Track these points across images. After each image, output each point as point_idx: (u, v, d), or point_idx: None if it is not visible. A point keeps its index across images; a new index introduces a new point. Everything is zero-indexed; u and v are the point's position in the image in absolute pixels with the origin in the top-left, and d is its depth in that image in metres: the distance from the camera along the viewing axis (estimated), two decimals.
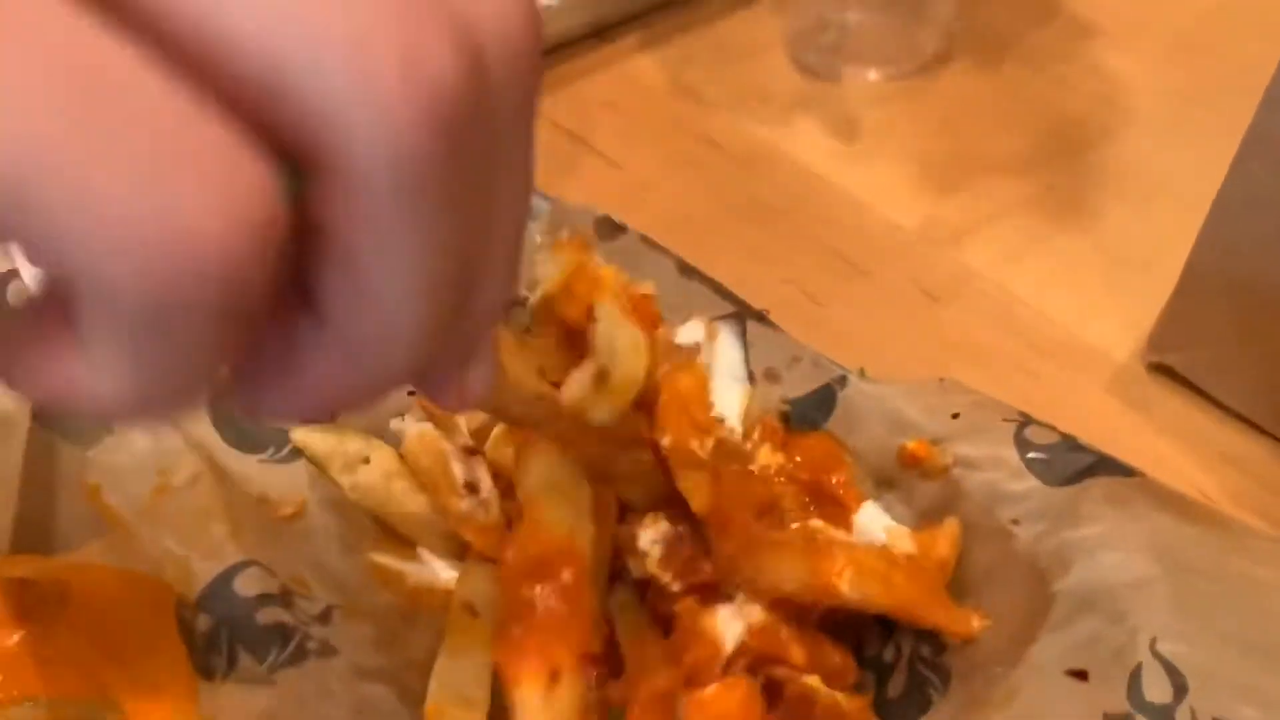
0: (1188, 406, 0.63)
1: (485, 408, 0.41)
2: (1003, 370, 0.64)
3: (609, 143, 0.83)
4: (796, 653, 0.45)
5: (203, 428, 0.49)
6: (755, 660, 0.44)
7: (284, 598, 0.44)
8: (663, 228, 0.64)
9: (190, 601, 0.44)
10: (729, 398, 0.57)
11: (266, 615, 0.43)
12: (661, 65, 0.89)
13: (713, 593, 0.45)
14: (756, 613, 0.45)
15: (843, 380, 0.55)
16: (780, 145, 0.81)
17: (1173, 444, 0.61)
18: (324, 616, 0.45)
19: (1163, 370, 0.64)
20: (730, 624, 0.44)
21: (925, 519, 0.49)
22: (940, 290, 0.70)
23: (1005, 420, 0.50)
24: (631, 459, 0.46)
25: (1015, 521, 0.47)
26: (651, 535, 0.44)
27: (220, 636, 0.44)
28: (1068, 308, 0.68)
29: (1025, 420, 0.50)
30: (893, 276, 0.71)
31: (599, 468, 0.44)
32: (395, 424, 0.54)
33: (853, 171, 0.78)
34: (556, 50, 0.89)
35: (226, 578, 0.44)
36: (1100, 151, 0.78)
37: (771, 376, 0.57)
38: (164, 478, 0.46)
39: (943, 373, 0.59)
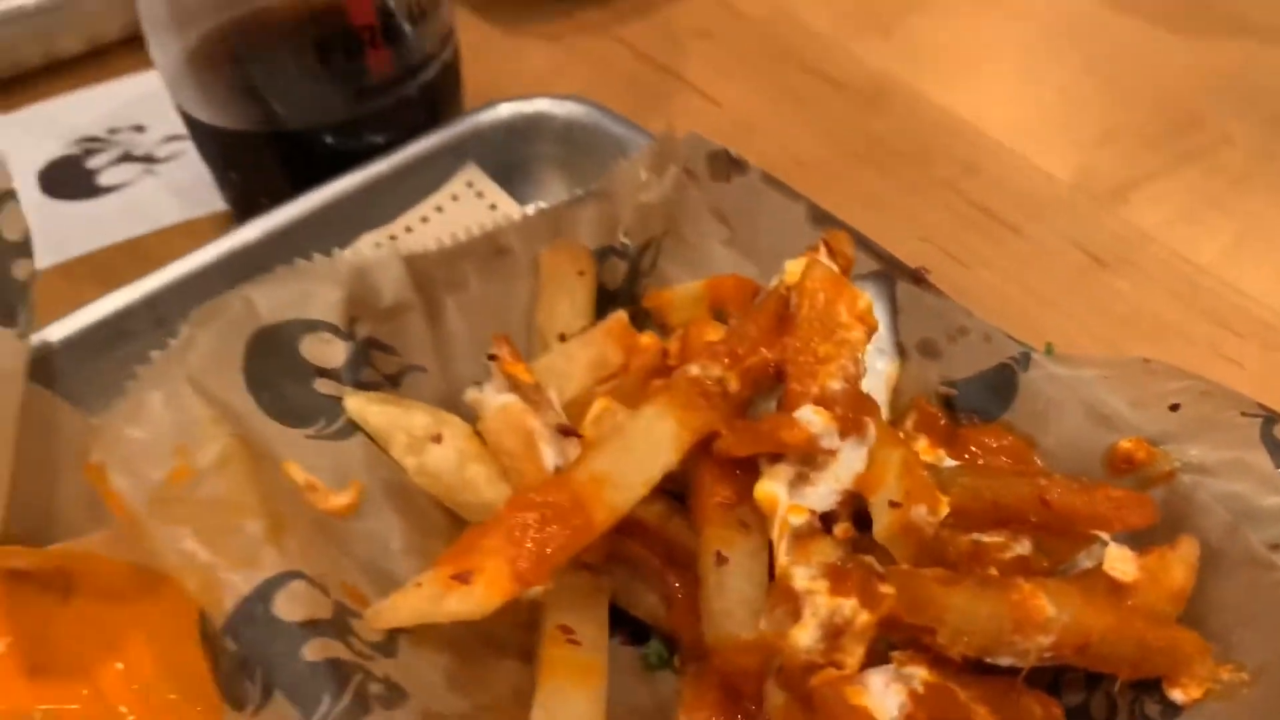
0: None
1: None
2: (1193, 353, 0.53)
3: (704, 76, 0.72)
4: (982, 717, 0.34)
5: (236, 393, 0.39)
6: None
7: (337, 623, 0.34)
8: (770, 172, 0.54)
9: (218, 621, 0.34)
10: (873, 375, 0.47)
11: (316, 649, 0.33)
12: None
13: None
14: (919, 675, 0.34)
15: (1024, 359, 0.44)
16: (906, 79, 0.70)
17: None
18: (389, 645, 0.35)
19: None
20: (887, 695, 0.34)
21: (1145, 540, 0.39)
22: (1108, 254, 0.59)
23: (1244, 415, 0.40)
24: None
25: (1276, 547, 0.36)
26: (809, 571, 0.34)
27: (252, 662, 0.34)
28: (1264, 279, 0.57)
29: (1271, 415, 0.40)
30: (1049, 236, 0.60)
31: None
32: (472, 394, 0.44)
33: (991, 111, 0.67)
34: None
35: (264, 595, 0.34)
36: None
37: (928, 350, 0.47)
38: (184, 458, 0.36)
39: (1119, 354, 0.49)
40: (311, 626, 0.33)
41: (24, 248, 0.42)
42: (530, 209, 0.57)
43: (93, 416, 0.40)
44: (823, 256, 0.44)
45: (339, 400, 0.42)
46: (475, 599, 0.34)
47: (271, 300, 0.42)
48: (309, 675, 0.32)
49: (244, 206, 0.60)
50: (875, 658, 0.34)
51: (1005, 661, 0.34)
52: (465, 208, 0.59)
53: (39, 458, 0.42)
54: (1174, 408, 0.41)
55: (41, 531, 0.42)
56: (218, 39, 0.57)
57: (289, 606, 0.33)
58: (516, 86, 0.65)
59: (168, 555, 0.35)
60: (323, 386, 0.42)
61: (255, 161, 0.59)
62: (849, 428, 0.39)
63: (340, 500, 0.39)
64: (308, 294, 0.43)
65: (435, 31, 0.58)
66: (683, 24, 0.76)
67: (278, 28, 0.56)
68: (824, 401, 0.39)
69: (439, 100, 0.60)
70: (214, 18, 0.56)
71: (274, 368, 0.41)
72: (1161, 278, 0.57)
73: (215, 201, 0.63)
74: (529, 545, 0.36)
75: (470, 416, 0.43)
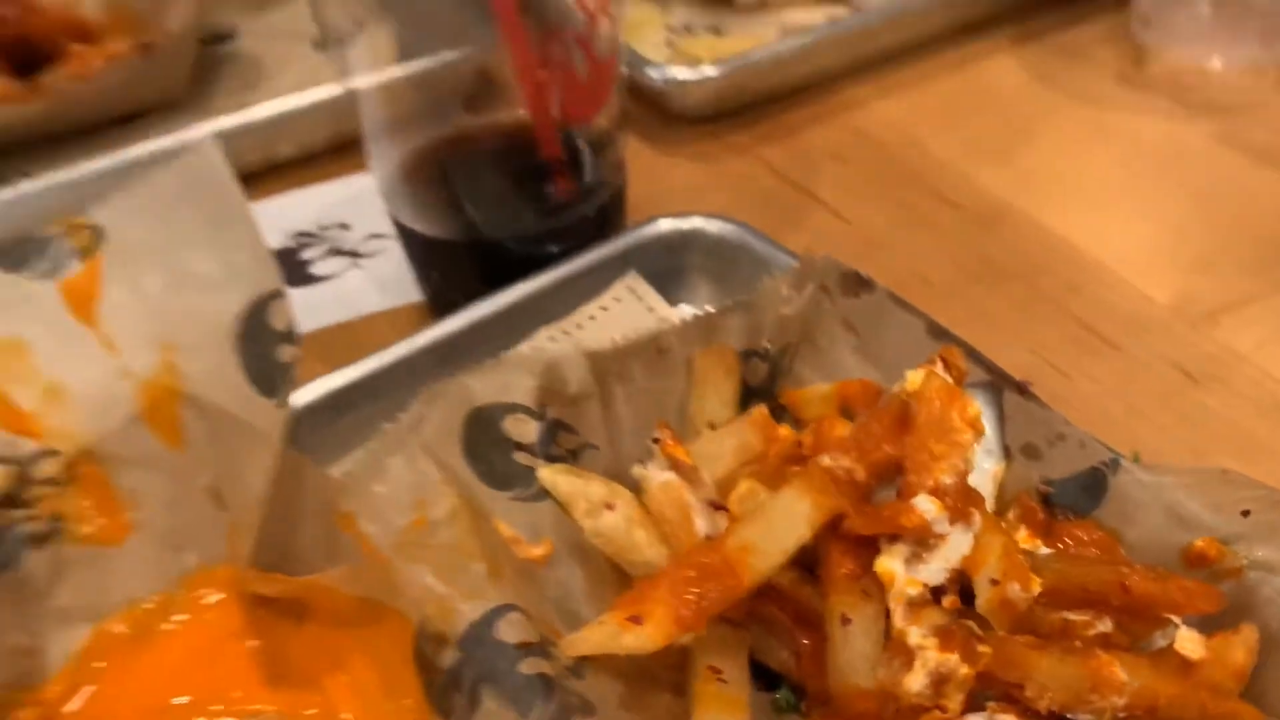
0: None
1: None
2: (1276, 466, 0.59)
3: (836, 195, 0.81)
4: None
5: (457, 460, 0.49)
6: None
7: (543, 647, 0.43)
8: (894, 287, 0.61)
9: (452, 640, 0.43)
10: (981, 473, 0.54)
11: (529, 666, 0.41)
12: (892, 117, 0.87)
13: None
14: None
15: (1115, 465, 0.51)
16: (1021, 205, 0.77)
17: None
18: (578, 669, 0.43)
19: None
20: None
21: (1214, 625, 0.45)
22: (1200, 372, 0.65)
23: None
24: None
25: None
26: (921, 631, 0.41)
27: (464, 677, 0.43)
28: None
29: None
30: (1146, 354, 0.66)
31: None
32: (637, 471, 0.52)
33: (1097, 236, 0.74)
34: (783, 99, 0.88)
35: (489, 621, 0.43)
36: None
37: (1030, 453, 0.54)
38: (421, 511, 0.46)
39: (1205, 463, 0.55)
40: (525, 648, 0.42)
41: (288, 336, 0.53)
42: (684, 313, 0.66)
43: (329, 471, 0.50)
44: (939, 369, 0.52)
45: (533, 470, 0.51)
46: (645, 637, 0.43)
47: (482, 386, 0.52)
48: (525, 685, 0.41)
49: (440, 301, 0.71)
50: (973, 704, 0.41)
51: (1084, 717, 0.41)
52: (626, 309, 0.68)
53: (284, 505, 0.52)
54: (1245, 513, 0.47)
55: (280, 568, 0.52)
56: (427, 155, 0.68)
57: (508, 631, 0.42)
58: (670, 200, 0.75)
59: (410, 587, 0.44)
60: (520, 458, 0.51)
61: (453, 264, 0.69)
62: (958, 516, 0.46)
63: (536, 552, 0.48)
64: (510, 382, 0.52)
65: (610, 162, 0.68)
66: (818, 147, 0.85)
67: (480, 152, 0.67)
68: (937, 493, 0.47)
69: (609, 217, 0.70)
70: (425, 135, 0.68)
71: (484, 441, 0.50)
72: (1250, 395, 0.63)
73: (413, 294, 0.74)
74: (689, 597, 0.44)
75: (635, 489, 0.52)
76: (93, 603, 0.52)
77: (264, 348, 0.52)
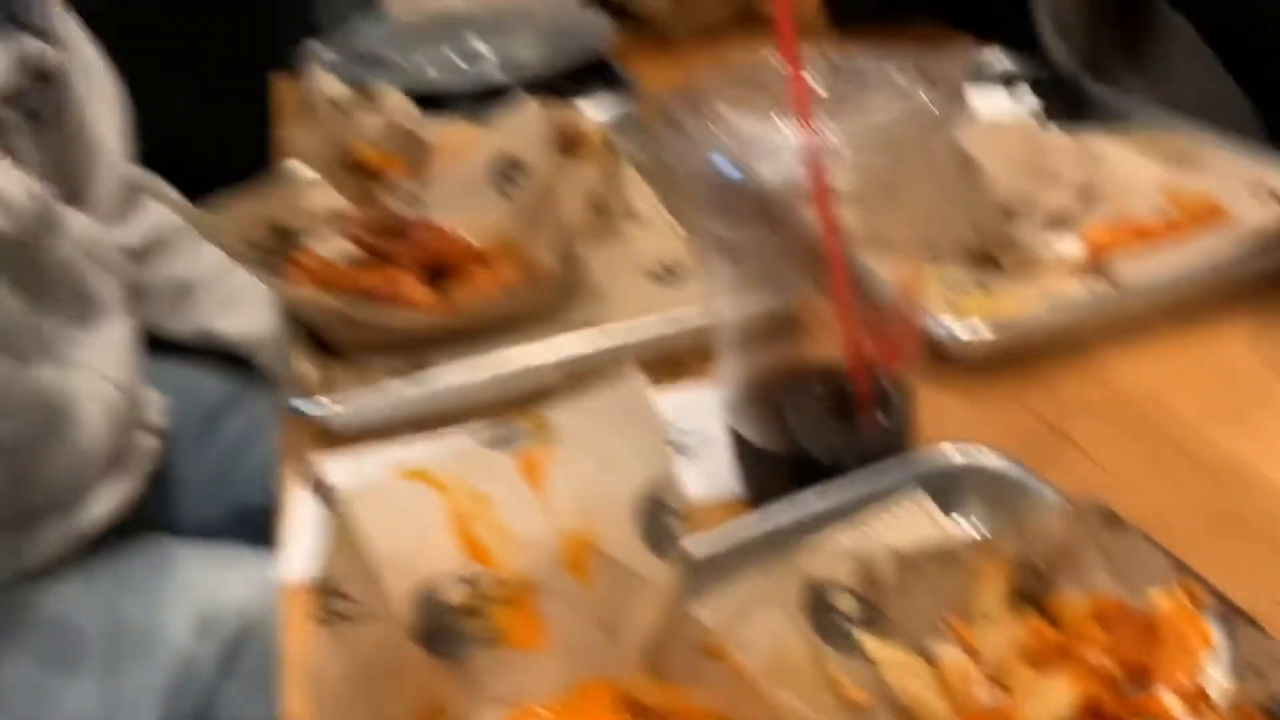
0: None
1: None
2: None
3: (1089, 440, 0.95)
4: None
5: (798, 616, 0.66)
6: None
7: None
8: (1140, 525, 0.75)
9: None
10: (1212, 683, 0.66)
11: None
12: (1140, 376, 1.01)
13: None
14: None
15: None
16: (1255, 464, 0.90)
17: None
18: None
19: None
20: None
21: None
22: None
23: None
24: None
25: None
26: None
27: None
28: None
29: None
30: None
31: None
32: (932, 648, 0.68)
33: None
34: (1045, 354, 1.04)
35: None
36: None
37: (1256, 672, 0.66)
38: (780, 655, 0.63)
39: None
40: None
41: (677, 511, 0.72)
42: (958, 523, 0.81)
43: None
44: (1181, 596, 0.66)
45: (853, 635, 0.67)
46: None
47: (811, 564, 0.69)
48: None
49: (757, 496, 0.89)
50: None
51: None
52: (910, 517, 0.84)
53: (662, 638, 0.70)
54: None
55: None
56: (762, 379, 0.87)
57: None
58: (945, 429, 0.90)
59: (778, 707, 0.61)
60: (841, 623, 0.67)
61: (773, 468, 0.88)
62: (1193, 711, 0.60)
63: (860, 697, 0.64)
64: (833, 565, 0.69)
65: (904, 397, 0.86)
66: (1074, 397, 1.00)
67: (804, 382, 0.86)
68: (1177, 692, 0.60)
69: (900, 441, 0.87)
70: (760, 362, 0.87)
71: (816, 606, 0.67)
72: None
73: (734, 487, 0.92)
74: None
75: (930, 661, 0.67)
76: (513, 694, 0.70)
77: (658, 518, 0.71)
